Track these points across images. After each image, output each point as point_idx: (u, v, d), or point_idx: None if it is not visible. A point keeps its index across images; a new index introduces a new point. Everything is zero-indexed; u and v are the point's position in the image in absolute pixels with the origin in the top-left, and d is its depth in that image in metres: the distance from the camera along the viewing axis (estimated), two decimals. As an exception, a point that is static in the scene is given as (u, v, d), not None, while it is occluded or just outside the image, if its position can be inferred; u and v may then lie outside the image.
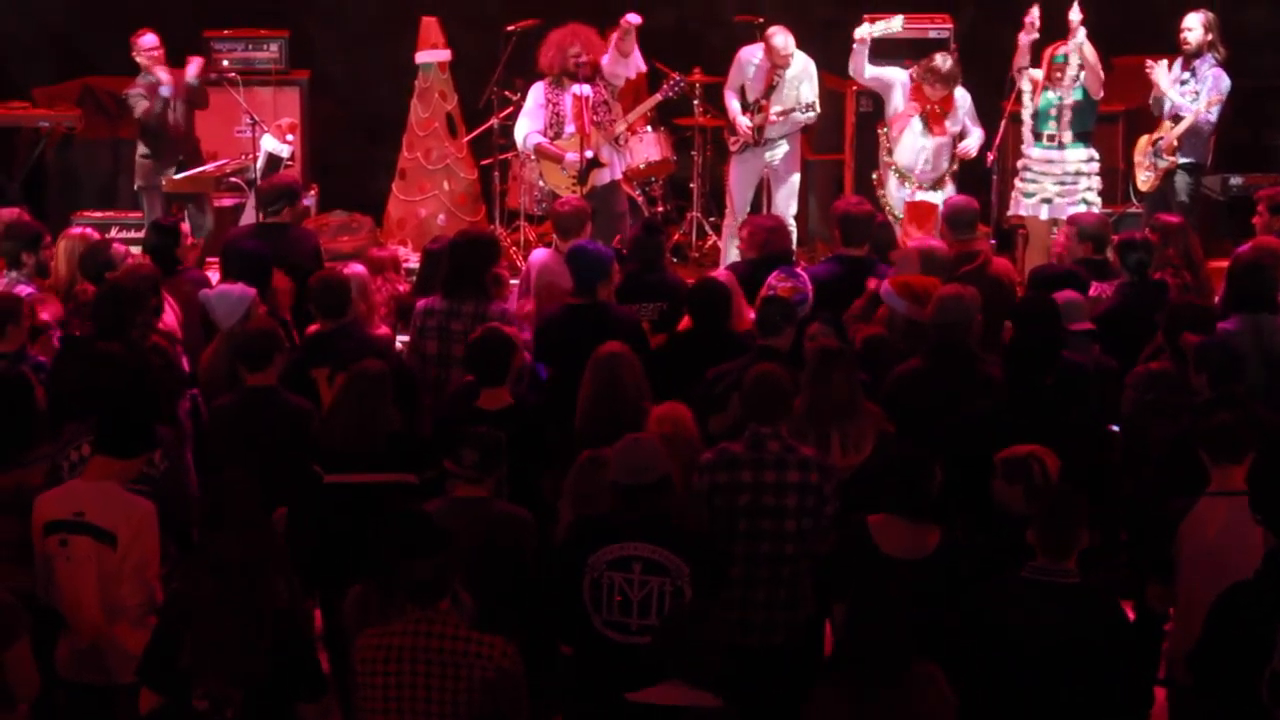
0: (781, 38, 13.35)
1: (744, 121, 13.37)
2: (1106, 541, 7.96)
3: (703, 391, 8.72)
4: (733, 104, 13.55)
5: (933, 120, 12.82)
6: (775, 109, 13.26)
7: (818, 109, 13.39)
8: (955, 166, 13.05)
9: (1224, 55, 12.78)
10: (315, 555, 7.91)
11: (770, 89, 13.32)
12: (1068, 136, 12.76)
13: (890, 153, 13.03)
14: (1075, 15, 12.68)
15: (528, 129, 13.09)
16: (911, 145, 12.87)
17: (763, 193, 13.78)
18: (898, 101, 12.92)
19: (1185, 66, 12.87)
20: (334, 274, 9.70)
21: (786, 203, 13.58)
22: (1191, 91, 12.75)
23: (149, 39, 13.49)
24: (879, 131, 13.27)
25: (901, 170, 12.96)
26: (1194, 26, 12.78)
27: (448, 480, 7.51)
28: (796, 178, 13.63)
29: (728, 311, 9.58)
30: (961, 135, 12.95)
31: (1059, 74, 12.64)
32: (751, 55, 13.53)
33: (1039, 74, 12.78)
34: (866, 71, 12.99)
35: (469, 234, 10.40)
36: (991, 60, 13.93)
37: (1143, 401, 8.79)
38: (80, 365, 8.77)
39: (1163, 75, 12.87)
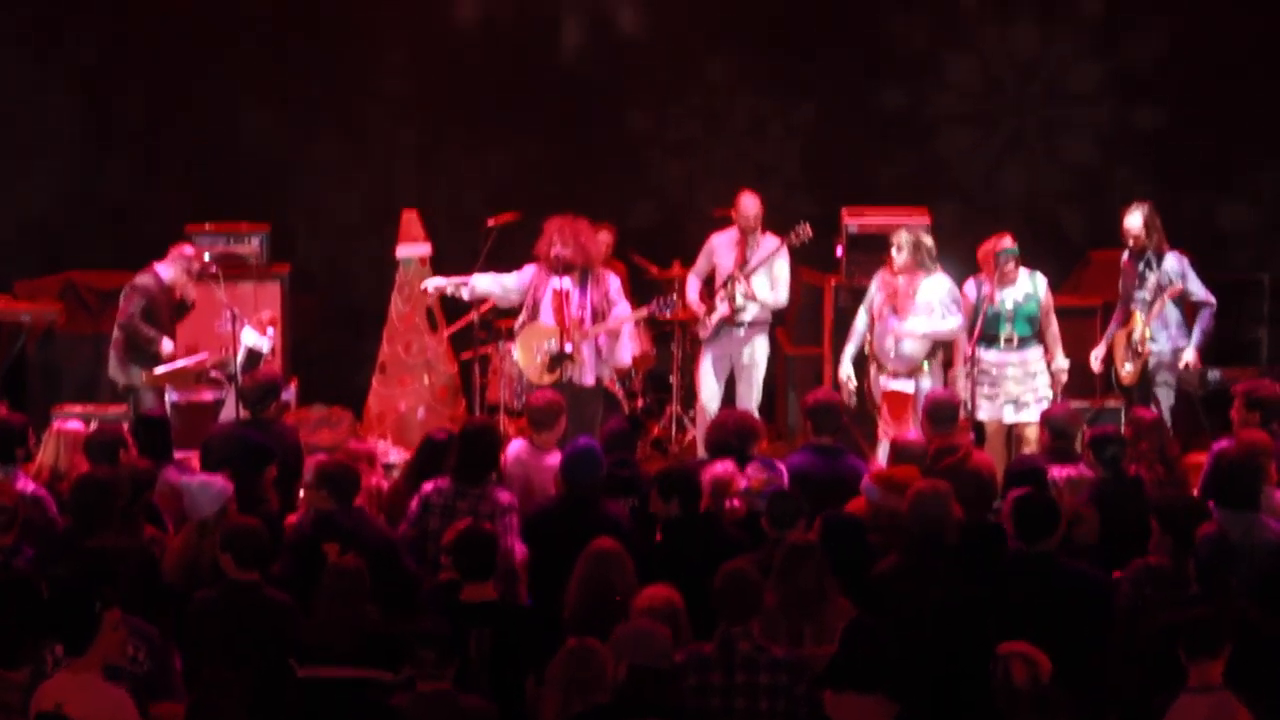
0: (749, 199, 13.41)
1: (699, 306, 13.39)
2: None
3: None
4: (691, 289, 13.61)
5: (899, 303, 12.81)
6: (744, 287, 13.23)
7: (784, 292, 13.42)
8: (940, 357, 13.03)
9: (1162, 243, 12.72)
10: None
11: (744, 265, 13.35)
12: (1021, 338, 12.66)
13: (868, 344, 13.06)
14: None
15: (486, 282, 12.91)
16: (881, 333, 12.86)
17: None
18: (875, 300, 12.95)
19: (1137, 262, 12.77)
20: (344, 462, 9.86)
21: (750, 394, 13.51)
22: (1159, 284, 12.70)
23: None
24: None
25: (877, 358, 12.94)
26: (1137, 224, 12.65)
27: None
28: (762, 372, 13.54)
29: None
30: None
31: (1008, 267, 12.56)
32: (722, 239, 13.58)
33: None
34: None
35: (477, 422, 10.64)
36: (971, 253, 14.03)
37: (1140, 596, 8.71)
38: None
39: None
